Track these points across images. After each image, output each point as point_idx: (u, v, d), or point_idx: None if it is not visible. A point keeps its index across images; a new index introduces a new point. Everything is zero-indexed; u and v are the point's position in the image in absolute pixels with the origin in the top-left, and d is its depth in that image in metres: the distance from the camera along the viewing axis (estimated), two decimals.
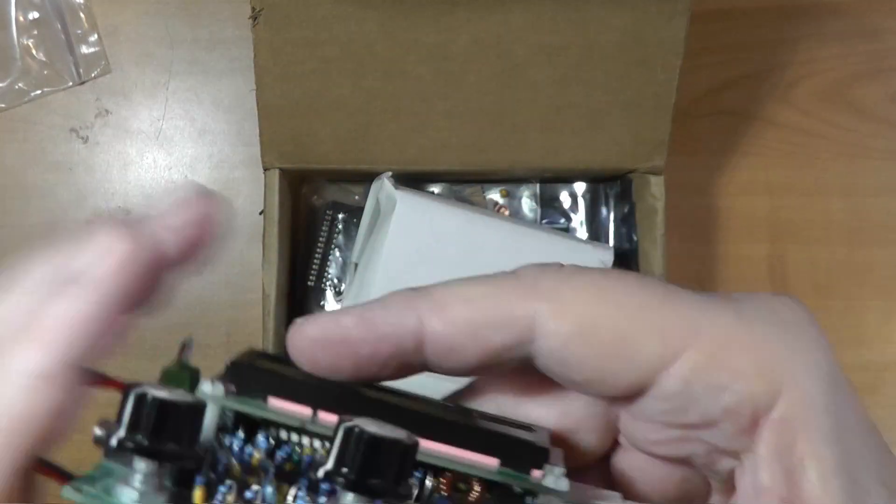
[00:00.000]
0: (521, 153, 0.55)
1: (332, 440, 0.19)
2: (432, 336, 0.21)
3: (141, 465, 0.19)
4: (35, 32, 0.64)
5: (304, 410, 0.21)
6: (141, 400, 0.19)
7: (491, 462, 0.21)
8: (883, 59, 0.66)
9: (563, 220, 0.62)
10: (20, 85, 0.64)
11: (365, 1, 0.51)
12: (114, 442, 0.19)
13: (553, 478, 0.21)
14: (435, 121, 0.54)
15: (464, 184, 0.61)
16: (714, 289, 0.62)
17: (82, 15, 0.64)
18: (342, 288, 0.61)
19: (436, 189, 0.61)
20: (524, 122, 0.54)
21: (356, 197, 0.61)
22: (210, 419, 0.21)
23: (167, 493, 0.20)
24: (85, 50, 0.64)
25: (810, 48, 0.65)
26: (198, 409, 0.20)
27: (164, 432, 0.19)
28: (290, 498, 0.20)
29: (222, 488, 0.20)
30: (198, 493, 0.20)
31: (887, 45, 0.66)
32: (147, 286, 0.21)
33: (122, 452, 0.19)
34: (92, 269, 0.20)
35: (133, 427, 0.19)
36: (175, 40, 0.65)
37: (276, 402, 0.21)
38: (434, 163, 0.55)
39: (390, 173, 0.56)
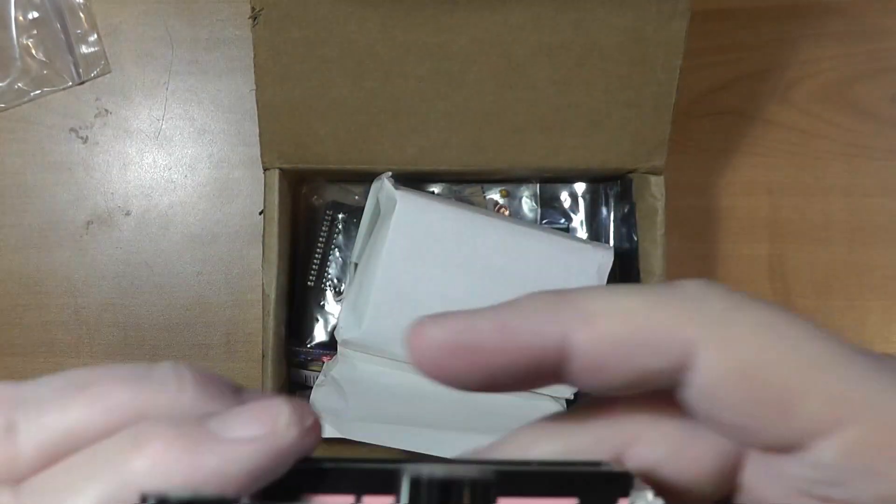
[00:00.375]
0: (521, 153, 0.55)
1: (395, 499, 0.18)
2: (579, 352, 0.20)
3: None
4: (35, 32, 0.64)
5: (346, 500, 0.20)
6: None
7: (570, 503, 0.19)
8: (883, 59, 0.66)
9: (563, 220, 0.62)
10: (20, 85, 0.64)
11: (365, 1, 0.51)
12: None
13: (644, 501, 0.20)
14: (435, 121, 0.54)
15: (464, 184, 0.61)
16: None
17: (82, 15, 0.64)
18: (342, 288, 0.61)
19: (436, 189, 0.61)
20: (524, 122, 0.54)
21: (356, 197, 0.61)
22: None
23: None
24: (85, 50, 0.64)
25: (810, 48, 0.65)
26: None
27: None
28: None
29: None
30: None
31: (887, 45, 0.66)
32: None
33: None
34: (248, 435, 0.19)
35: None
36: (175, 40, 0.65)
37: (313, 497, 0.20)
38: (434, 163, 0.55)
39: (390, 173, 0.56)
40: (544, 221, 0.62)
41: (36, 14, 0.64)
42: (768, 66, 0.66)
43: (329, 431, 0.54)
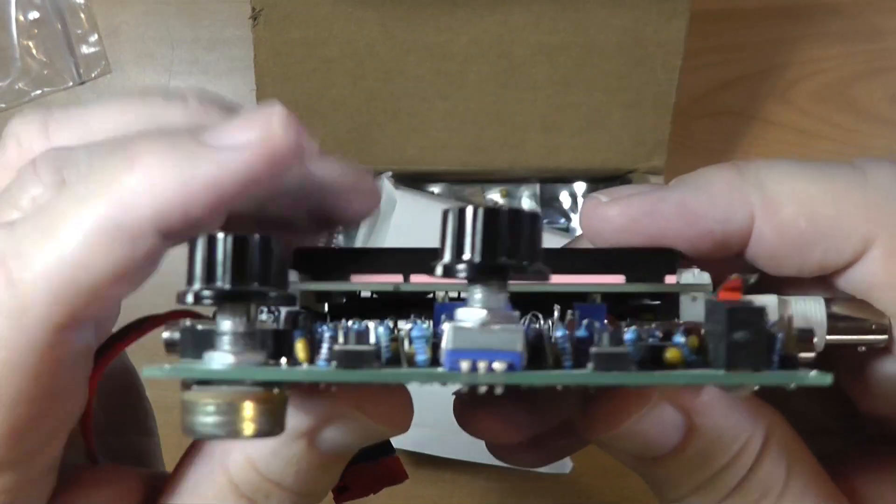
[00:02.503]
0: (521, 153, 0.55)
1: (441, 238, 0.17)
2: (761, 239, 0.20)
3: (226, 325, 0.17)
4: (35, 32, 0.64)
5: (394, 278, 0.20)
6: (210, 243, 0.17)
7: (617, 279, 0.20)
8: (883, 59, 0.66)
9: (563, 220, 0.62)
10: (20, 85, 0.64)
11: (365, 1, 0.51)
12: (190, 298, 0.17)
13: (691, 275, 0.20)
14: (435, 121, 0.54)
15: (464, 184, 0.61)
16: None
17: (82, 15, 0.64)
18: None
19: (436, 189, 0.61)
20: (524, 122, 0.54)
21: None
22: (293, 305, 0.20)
23: (264, 354, 0.17)
24: (85, 50, 0.64)
25: (810, 48, 0.65)
26: (278, 244, 0.17)
27: (245, 271, 0.17)
28: (403, 331, 0.18)
29: (327, 333, 0.17)
30: (300, 346, 0.18)
31: (887, 45, 0.66)
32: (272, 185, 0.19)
33: (201, 304, 0.17)
34: (242, 141, 0.19)
35: (208, 275, 0.17)
36: (175, 40, 0.65)
37: (359, 278, 0.20)
38: (434, 163, 0.55)
39: (390, 173, 0.56)
40: (544, 221, 0.62)
41: (36, 14, 0.64)
42: (768, 66, 0.66)
43: None
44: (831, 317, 0.21)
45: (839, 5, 0.66)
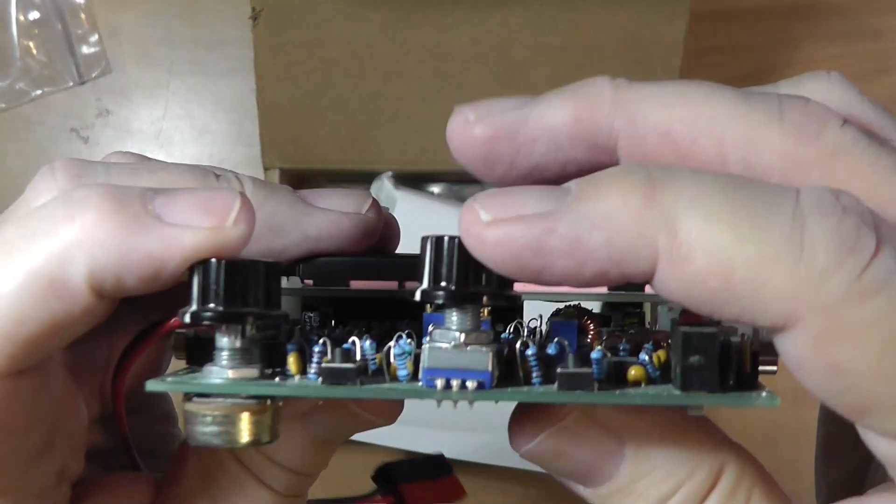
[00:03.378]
0: None
1: (420, 263, 0.18)
2: (661, 287, 0.17)
3: (224, 342, 0.19)
4: (35, 32, 0.64)
5: (390, 285, 0.21)
6: (206, 267, 0.18)
7: (599, 288, 0.20)
8: (883, 59, 0.66)
9: None
10: (21, 85, 0.64)
11: (365, 1, 0.51)
12: (187, 318, 0.18)
13: None
14: (435, 121, 0.54)
15: (464, 184, 0.61)
16: None
17: (83, 15, 0.64)
18: None
19: (436, 189, 0.61)
20: None
21: None
22: (292, 309, 0.21)
23: (259, 367, 0.19)
24: (85, 50, 0.64)
25: (810, 48, 0.65)
26: (272, 268, 0.19)
27: (238, 294, 0.18)
28: (391, 344, 0.19)
29: (316, 348, 0.19)
30: (292, 359, 0.19)
31: (887, 45, 0.66)
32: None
33: (198, 325, 0.18)
34: (191, 223, 0.18)
35: (204, 298, 0.18)
36: (175, 40, 0.65)
37: (358, 284, 0.21)
38: (434, 163, 0.55)
39: (390, 173, 0.56)
40: None
41: (37, 14, 0.64)
42: (768, 66, 0.66)
43: None
44: None
45: (839, 5, 0.66)
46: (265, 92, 0.53)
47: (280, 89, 0.53)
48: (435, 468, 0.27)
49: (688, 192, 0.17)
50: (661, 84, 0.20)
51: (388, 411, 0.23)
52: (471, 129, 0.20)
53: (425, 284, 0.18)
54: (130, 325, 0.22)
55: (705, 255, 0.17)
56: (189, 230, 0.18)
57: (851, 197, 0.17)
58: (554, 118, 0.20)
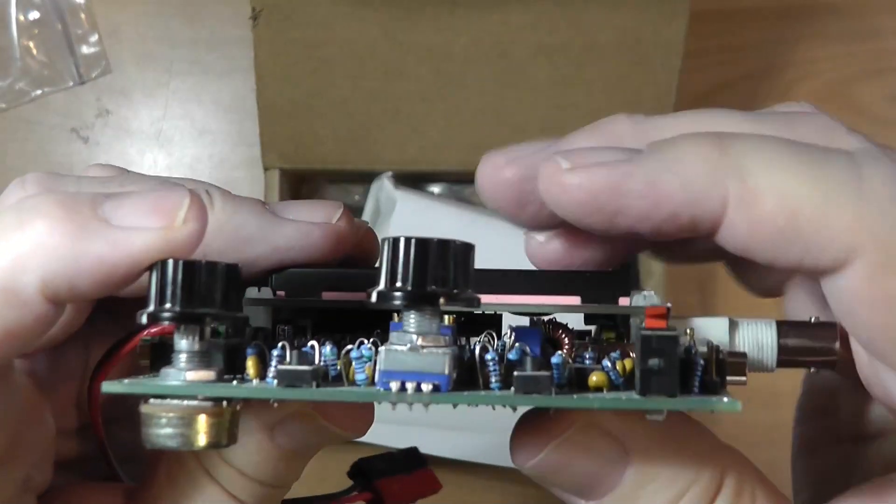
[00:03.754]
0: None
1: (378, 265, 0.18)
2: (732, 232, 0.18)
3: (182, 344, 0.19)
4: (35, 32, 0.64)
5: (358, 296, 0.21)
6: (163, 268, 0.18)
7: (572, 300, 0.20)
8: (883, 59, 0.66)
9: None
10: (21, 85, 0.64)
11: (365, 1, 0.51)
12: (143, 319, 0.18)
13: (642, 297, 0.20)
14: (435, 121, 0.54)
15: (464, 184, 0.61)
16: (714, 291, 0.62)
17: (83, 15, 0.64)
18: None
19: (436, 189, 0.61)
20: (524, 122, 0.54)
21: (356, 197, 0.61)
22: (264, 320, 0.21)
23: (217, 370, 0.19)
24: (85, 50, 0.64)
25: (810, 48, 0.65)
26: (230, 269, 0.18)
27: (196, 295, 0.18)
28: (350, 347, 0.19)
29: (275, 352, 0.19)
30: (250, 363, 0.19)
31: (887, 45, 0.66)
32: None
33: (155, 326, 0.18)
34: (140, 225, 0.18)
35: (161, 298, 0.18)
36: (176, 40, 0.65)
37: (330, 295, 0.21)
38: (434, 163, 0.55)
39: (390, 173, 0.56)
40: None
41: (37, 14, 0.64)
42: (768, 66, 0.66)
43: None
44: (782, 344, 0.21)
45: (839, 5, 0.66)
46: (265, 92, 0.53)
47: (280, 89, 0.53)
48: (410, 462, 0.27)
49: (754, 145, 0.19)
50: (676, 115, 0.21)
51: (357, 423, 0.22)
52: (501, 173, 0.21)
53: (382, 286, 0.18)
54: (107, 334, 0.22)
55: (773, 197, 0.18)
56: (138, 232, 0.18)
57: None
58: (665, 184, 0.20)
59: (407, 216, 0.54)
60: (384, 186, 0.55)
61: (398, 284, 0.18)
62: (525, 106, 0.54)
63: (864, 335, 0.19)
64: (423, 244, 0.18)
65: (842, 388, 0.24)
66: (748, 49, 0.66)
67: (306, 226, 0.22)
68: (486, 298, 0.19)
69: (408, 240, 0.18)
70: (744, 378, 0.19)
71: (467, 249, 0.18)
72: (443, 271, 0.18)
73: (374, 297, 0.18)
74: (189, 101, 0.65)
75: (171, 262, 0.18)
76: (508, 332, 0.20)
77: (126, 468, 0.24)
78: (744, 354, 0.20)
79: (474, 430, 0.53)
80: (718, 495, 0.20)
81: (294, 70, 0.52)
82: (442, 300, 0.18)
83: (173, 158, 0.65)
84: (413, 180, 0.58)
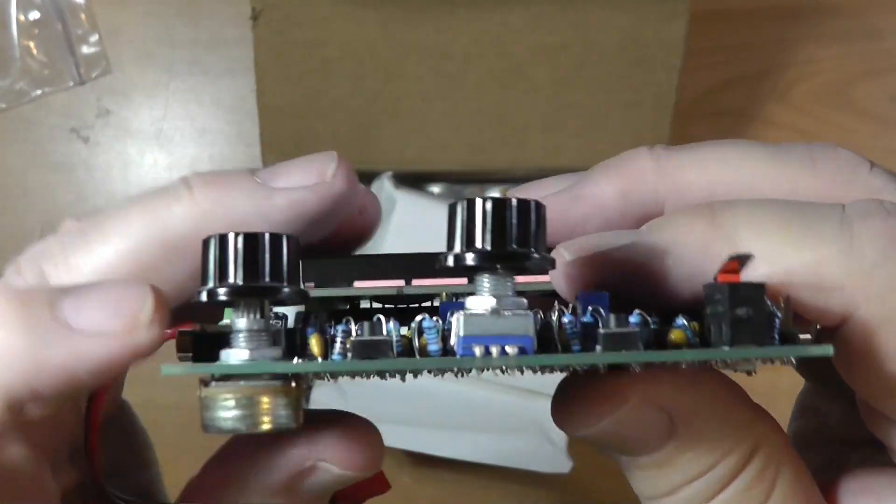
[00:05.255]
0: (521, 153, 0.55)
1: (449, 230, 0.17)
2: None
3: (241, 322, 0.18)
4: (35, 32, 0.64)
5: (396, 283, 0.20)
6: (223, 241, 0.17)
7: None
8: (883, 59, 0.66)
9: None
10: (21, 85, 0.64)
11: (365, 1, 0.51)
12: (203, 296, 0.17)
13: None
14: (435, 121, 0.54)
15: (464, 184, 0.61)
16: None
17: (83, 15, 0.64)
18: None
19: (436, 189, 0.61)
20: (524, 122, 0.54)
21: None
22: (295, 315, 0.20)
23: (280, 349, 0.18)
24: (86, 50, 0.64)
25: (810, 48, 0.65)
26: (292, 242, 0.18)
27: (257, 268, 0.17)
28: (414, 324, 0.18)
29: (340, 327, 0.18)
30: (314, 340, 0.18)
31: (887, 45, 0.66)
32: None
33: (215, 304, 0.17)
34: (102, 327, 0.18)
35: (222, 274, 0.17)
36: (176, 41, 0.65)
37: (363, 284, 0.21)
38: (434, 163, 0.55)
39: (390, 173, 0.56)
40: None
41: (37, 14, 0.64)
42: (768, 66, 0.66)
43: None
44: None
45: (839, 5, 0.66)
46: (265, 92, 0.53)
47: (280, 89, 0.53)
48: None
49: (744, 212, 0.19)
50: (697, 148, 0.21)
51: (370, 462, 0.22)
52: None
53: (458, 248, 0.17)
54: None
55: (765, 264, 0.18)
56: (98, 339, 0.17)
57: (894, 203, 0.19)
58: (603, 196, 0.21)
59: (407, 216, 0.54)
60: (384, 186, 0.55)
61: (477, 245, 0.17)
62: (525, 106, 0.54)
63: (863, 389, 0.19)
64: (501, 203, 0.17)
65: (836, 392, 0.24)
66: (748, 49, 0.66)
67: (299, 193, 0.20)
68: (525, 279, 0.19)
69: (484, 199, 0.17)
70: (809, 335, 0.19)
71: (541, 210, 0.18)
72: (522, 231, 0.17)
73: (449, 260, 0.17)
74: (189, 101, 0.65)
75: (231, 234, 0.17)
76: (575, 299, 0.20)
77: (114, 482, 0.23)
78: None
79: (474, 430, 0.53)
80: (743, 471, 0.20)
81: (294, 70, 0.52)
82: (524, 261, 0.17)
83: (173, 158, 0.65)
84: (413, 180, 0.58)
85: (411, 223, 0.54)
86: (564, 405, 0.21)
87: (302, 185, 0.20)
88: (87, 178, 0.64)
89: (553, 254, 0.19)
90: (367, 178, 0.57)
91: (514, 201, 0.17)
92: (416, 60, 0.52)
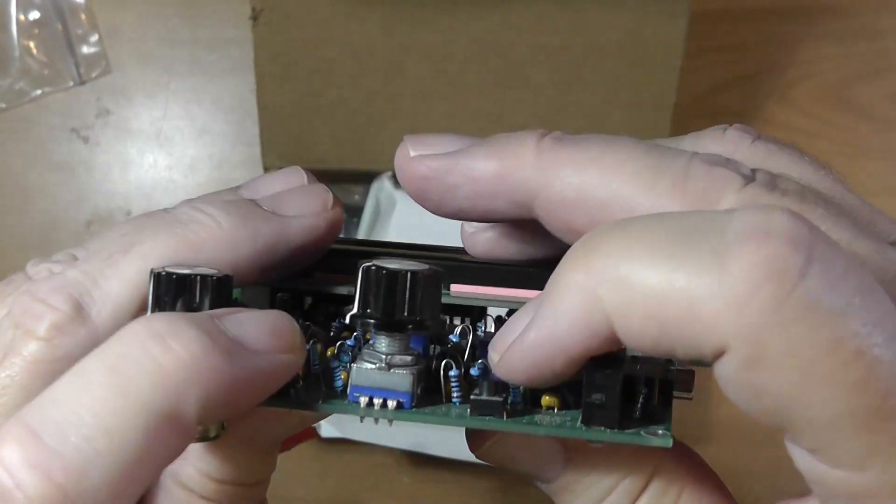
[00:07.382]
0: None
1: (355, 287, 0.19)
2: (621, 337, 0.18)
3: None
4: (35, 32, 0.64)
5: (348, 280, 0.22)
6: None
7: (533, 294, 0.20)
8: (883, 59, 0.66)
9: None
10: (20, 85, 0.64)
11: (365, 1, 0.51)
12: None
13: None
14: (435, 121, 0.54)
15: None
16: None
17: (83, 15, 0.64)
18: None
19: None
20: (524, 122, 0.54)
21: (356, 197, 0.61)
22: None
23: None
24: (86, 50, 0.64)
25: (810, 48, 0.65)
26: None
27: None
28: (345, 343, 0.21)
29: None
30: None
31: (887, 45, 0.66)
32: None
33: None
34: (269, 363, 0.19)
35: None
36: (176, 41, 0.65)
37: (324, 276, 0.23)
38: None
39: (390, 173, 0.56)
40: None
41: (37, 14, 0.64)
42: (768, 66, 0.66)
43: (329, 431, 0.54)
44: None
45: (839, 5, 0.66)
46: (265, 92, 0.53)
47: (280, 89, 0.53)
48: None
49: (616, 253, 0.18)
50: (583, 146, 0.21)
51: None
52: (410, 164, 0.22)
53: (355, 309, 0.19)
54: None
55: (643, 309, 0.17)
56: (265, 357, 0.19)
57: (785, 216, 0.17)
58: (478, 170, 0.21)
59: (407, 216, 0.54)
60: (384, 186, 0.55)
61: (369, 311, 0.19)
62: (525, 106, 0.54)
63: (748, 414, 0.19)
64: (392, 276, 0.19)
65: None
66: (748, 49, 0.66)
67: (311, 221, 0.23)
68: (465, 289, 0.21)
69: (378, 270, 0.19)
70: (690, 394, 0.20)
71: (437, 277, 0.20)
72: (411, 302, 0.19)
73: (347, 319, 0.19)
74: (189, 101, 0.65)
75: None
76: (489, 319, 0.22)
77: None
78: (692, 371, 0.20)
79: None
80: (644, 492, 0.21)
81: (294, 70, 0.52)
82: (410, 327, 0.19)
83: (173, 158, 0.65)
84: None
85: (411, 223, 0.54)
86: (468, 429, 0.22)
87: (311, 213, 0.23)
88: (87, 178, 0.64)
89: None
90: (367, 178, 0.57)
91: (406, 273, 0.19)
92: (416, 60, 0.52)
